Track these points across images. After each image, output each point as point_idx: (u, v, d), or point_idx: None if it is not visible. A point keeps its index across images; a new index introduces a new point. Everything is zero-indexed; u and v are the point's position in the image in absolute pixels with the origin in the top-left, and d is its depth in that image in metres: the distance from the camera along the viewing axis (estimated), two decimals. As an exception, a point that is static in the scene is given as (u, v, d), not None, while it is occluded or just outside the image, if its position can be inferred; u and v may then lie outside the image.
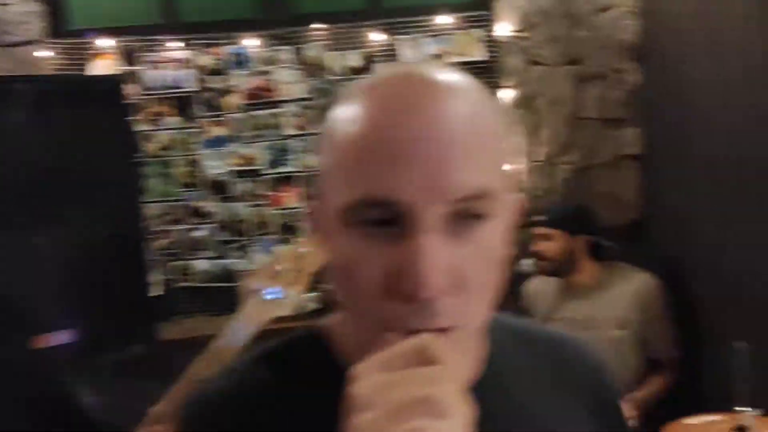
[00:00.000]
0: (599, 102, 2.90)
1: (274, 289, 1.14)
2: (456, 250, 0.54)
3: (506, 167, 0.60)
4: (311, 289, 1.14)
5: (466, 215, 0.55)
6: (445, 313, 0.54)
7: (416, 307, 0.53)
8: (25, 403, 1.32)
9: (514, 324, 0.76)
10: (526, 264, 2.59)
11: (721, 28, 2.23)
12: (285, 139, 2.85)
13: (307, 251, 1.16)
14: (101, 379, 1.84)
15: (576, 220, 2.52)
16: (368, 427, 0.46)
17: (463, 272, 0.55)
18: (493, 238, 0.57)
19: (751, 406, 1.84)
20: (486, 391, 0.63)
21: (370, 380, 0.48)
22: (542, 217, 2.52)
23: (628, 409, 2.26)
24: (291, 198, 2.87)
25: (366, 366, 0.49)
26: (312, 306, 1.97)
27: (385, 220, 0.54)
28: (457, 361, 0.51)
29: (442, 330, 0.54)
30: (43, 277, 1.87)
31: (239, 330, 1.15)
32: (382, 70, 0.62)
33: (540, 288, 2.62)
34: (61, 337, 1.86)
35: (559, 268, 2.51)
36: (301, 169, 2.85)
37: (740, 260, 2.23)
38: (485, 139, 0.57)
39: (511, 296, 2.79)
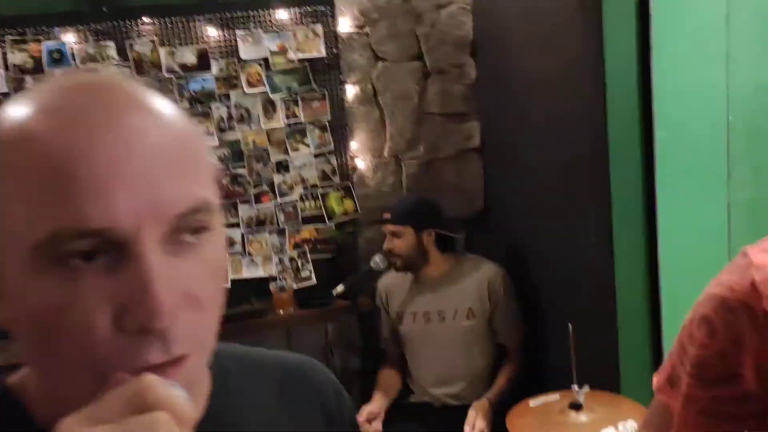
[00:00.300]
0: (442, 97, 2.96)
1: None
2: (183, 270, 0.49)
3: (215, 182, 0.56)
4: None
5: (186, 231, 0.50)
6: (180, 339, 0.49)
7: (150, 338, 0.47)
8: None
9: (238, 351, 0.72)
10: (378, 261, 2.59)
11: (546, 27, 2.32)
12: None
13: None
14: None
15: (421, 215, 2.55)
16: None
17: (194, 291, 0.50)
18: (217, 250, 0.53)
19: (583, 384, 1.95)
20: (214, 426, 0.60)
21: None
22: (388, 215, 2.54)
23: (475, 415, 2.33)
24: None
25: (74, 420, 0.42)
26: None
27: (95, 251, 0.47)
28: (184, 399, 0.45)
29: (180, 359, 0.49)
30: None
31: None
32: (56, 79, 0.53)
33: (393, 284, 2.64)
34: None
35: (411, 264, 2.54)
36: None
37: (568, 245, 2.35)
38: (194, 149, 0.53)
39: (366, 294, 2.80)
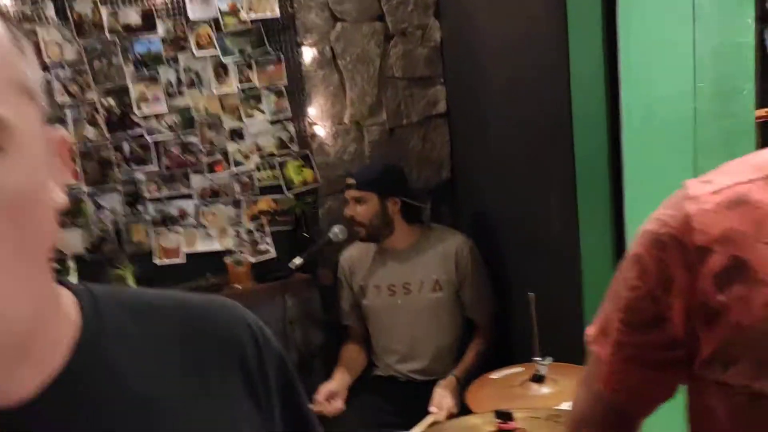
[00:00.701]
0: (405, 60, 2.82)
1: None
2: None
3: (32, 94, 0.50)
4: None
5: None
6: None
7: None
8: None
9: (127, 294, 0.64)
10: (337, 232, 2.48)
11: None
12: (59, 107, 2.49)
13: None
14: None
15: (387, 181, 2.44)
16: None
17: None
18: (11, 177, 0.46)
19: (546, 356, 1.89)
20: (80, 376, 0.54)
21: None
22: (352, 180, 2.42)
23: (442, 394, 2.25)
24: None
25: None
26: None
27: None
28: None
29: None
30: None
31: None
32: None
33: (355, 256, 2.54)
34: None
35: (374, 233, 2.43)
36: (79, 142, 2.52)
37: (533, 214, 2.28)
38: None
39: (327, 267, 2.71)
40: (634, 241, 0.82)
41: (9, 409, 0.50)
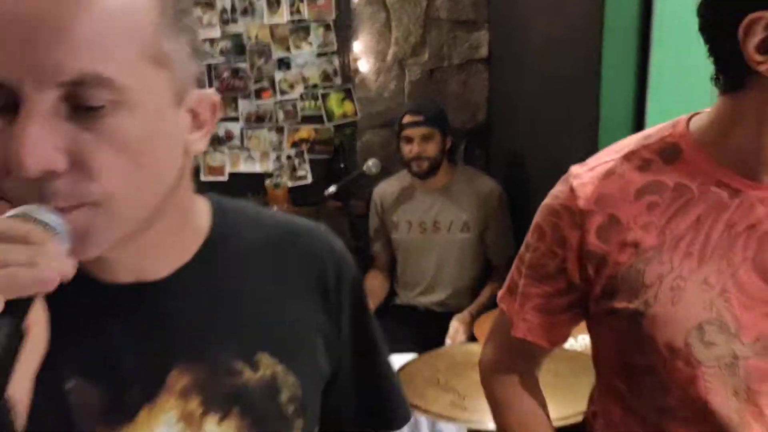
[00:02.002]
0: (451, 2, 2.88)
1: None
2: (75, 136, 0.54)
3: (163, 61, 0.59)
4: None
5: (85, 101, 0.54)
6: (61, 193, 0.55)
7: (34, 186, 0.54)
8: None
9: (252, 210, 0.79)
10: (371, 165, 2.61)
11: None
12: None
13: None
14: None
15: (446, 120, 2.51)
16: None
17: (83, 156, 0.55)
18: (130, 128, 0.56)
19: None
20: (195, 277, 0.70)
21: None
22: (419, 118, 2.46)
23: (457, 328, 2.38)
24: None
25: None
26: None
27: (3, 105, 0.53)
28: (50, 241, 0.52)
29: (64, 209, 0.55)
30: None
31: None
32: None
33: (389, 191, 2.64)
34: None
35: (433, 170, 2.49)
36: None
37: (560, 164, 2.36)
38: (110, 25, 0.55)
39: (359, 198, 2.86)
40: (535, 217, 1.03)
41: (153, 282, 0.69)
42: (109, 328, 0.67)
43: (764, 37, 0.78)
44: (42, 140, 0.53)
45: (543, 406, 1.13)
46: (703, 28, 0.85)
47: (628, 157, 0.96)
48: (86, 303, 0.66)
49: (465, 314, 2.44)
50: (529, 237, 1.03)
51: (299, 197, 2.82)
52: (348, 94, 2.87)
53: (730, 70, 0.84)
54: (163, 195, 0.63)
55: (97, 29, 0.54)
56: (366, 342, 0.85)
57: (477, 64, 2.98)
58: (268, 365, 0.73)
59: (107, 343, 0.67)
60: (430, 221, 2.55)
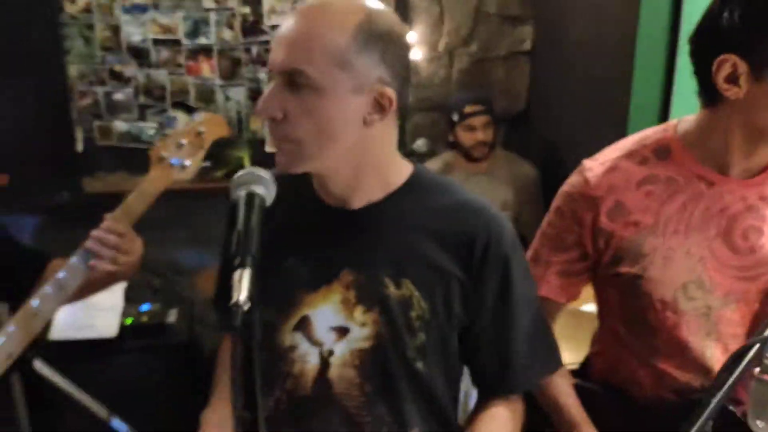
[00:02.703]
0: (501, -1, 3.15)
1: (178, 159, 1.40)
2: (288, 101, 0.97)
3: (347, 68, 0.96)
4: (206, 157, 1.40)
5: (294, 83, 0.96)
6: (277, 132, 1.00)
7: (269, 124, 1.00)
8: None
9: (442, 182, 1.14)
10: (420, 145, 2.91)
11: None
12: (204, 11, 2.99)
13: (206, 129, 1.41)
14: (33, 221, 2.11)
15: (494, 109, 2.80)
16: None
17: (289, 114, 0.98)
18: (320, 103, 0.96)
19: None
20: (377, 213, 1.06)
21: None
22: (480, 107, 2.75)
23: None
24: (207, 68, 3.06)
25: None
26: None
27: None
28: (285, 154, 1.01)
29: (279, 139, 1.00)
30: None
31: (149, 185, 1.36)
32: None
33: (436, 167, 2.87)
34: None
35: (489, 154, 2.79)
36: (217, 42, 3.02)
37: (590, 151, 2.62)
38: (317, 41, 0.95)
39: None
40: (554, 201, 1.32)
41: (350, 210, 1.06)
42: (317, 231, 1.06)
43: (730, 72, 1.08)
44: (269, 100, 0.98)
45: None
46: (691, 56, 1.15)
47: (629, 155, 1.25)
48: (307, 212, 1.07)
49: None
50: (551, 217, 1.33)
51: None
52: (401, 79, 3.16)
53: (708, 91, 1.14)
54: (341, 149, 1.00)
55: (308, 43, 0.96)
56: (505, 310, 1.09)
57: (520, 57, 3.25)
58: (408, 288, 1.05)
59: (313, 240, 1.06)
60: None
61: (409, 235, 1.06)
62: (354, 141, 1.00)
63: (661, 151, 1.24)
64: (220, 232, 1.26)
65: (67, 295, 1.35)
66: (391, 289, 1.04)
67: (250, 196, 0.85)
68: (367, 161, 1.03)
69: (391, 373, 1.06)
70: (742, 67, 1.06)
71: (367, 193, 1.06)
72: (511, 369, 1.12)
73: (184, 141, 1.38)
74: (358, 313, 1.05)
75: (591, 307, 1.55)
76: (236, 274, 0.77)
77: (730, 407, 1.21)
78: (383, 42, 0.97)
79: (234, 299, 0.75)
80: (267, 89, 0.98)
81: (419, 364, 1.07)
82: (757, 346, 0.97)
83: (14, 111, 2.22)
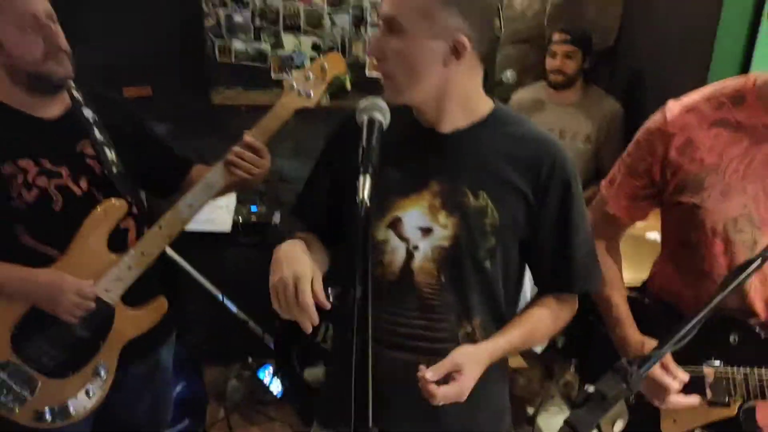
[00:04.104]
0: (598, -64, 3.23)
1: (305, 89, 1.69)
2: (386, 43, 1.20)
3: (429, 17, 1.16)
4: (327, 89, 1.72)
5: (390, 28, 1.18)
6: (378, 67, 1.23)
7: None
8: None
9: (518, 118, 1.34)
10: (509, 75, 3.11)
11: None
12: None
13: (328, 65, 1.69)
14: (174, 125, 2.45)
15: (589, 42, 2.92)
16: None
17: (383, 53, 1.21)
18: (405, 45, 1.18)
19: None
20: (463, 137, 1.27)
21: None
22: (566, 36, 2.88)
23: None
24: (318, -4, 3.33)
25: None
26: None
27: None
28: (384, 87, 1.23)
29: (381, 75, 1.22)
30: (128, 47, 2.43)
31: (281, 109, 1.68)
32: None
33: (526, 97, 3.07)
34: (142, 90, 2.47)
35: (570, 83, 2.92)
36: (328, -29, 3.27)
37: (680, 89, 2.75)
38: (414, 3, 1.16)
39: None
40: (637, 133, 1.47)
41: (442, 133, 1.26)
42: (413, 148, 1.29)
43: None
44: (374, 43, 1.22)
45: (619, 265, 1.61)
46: None
47: (708, 99, 1.40)
48: (406, 133, 1.28)
49: None
50: (630, 146, 1.50)
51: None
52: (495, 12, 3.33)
53: None
54: (426, 84, 1.21)
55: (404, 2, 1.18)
56: (563, 223, 1.29)
57: (614, -6, 3.34)
58: (484, 199, 1.25)
59: (409, 155, 1.28)
60: (558, 129, 2.95)
61: (488, 157, 1.26)
62: (437, 78, 1.20)
63: (737, 99, 1.37)
64: (318, 145, 1.44)
65: (210, 195, 1.70)
66: (470, 199, 1.25)
67: (371, 121, 1.09)
68: (452, 96, 1.23)
69: (463, 268, 1.27)
70: None
71: (453, 121, 1.26)
72: (569, 272, 1.33)
73: (311, 74, 1.69)
74: (442, 216, 1.26)
75: (655, 235, 1.73)
76: (361, 178, 1.01)
77: None
78: (466, 4, 1.17)
79: (359, 197, 0.99)
80: (376, 33, 1.23)
81: (487, 263, 1.28)
82: (757, 262, 1.13)
83: (155, 30, 2.53)
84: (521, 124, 1.31)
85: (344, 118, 1.35)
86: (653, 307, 1.59)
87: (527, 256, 1.34)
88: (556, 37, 2.89)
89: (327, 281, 1.20)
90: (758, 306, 1.45)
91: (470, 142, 1.26)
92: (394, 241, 1.28)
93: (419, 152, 1.27)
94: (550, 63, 2.90)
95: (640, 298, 1.61)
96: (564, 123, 2.97)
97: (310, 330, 1.12)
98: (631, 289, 1.66)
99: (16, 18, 1.53)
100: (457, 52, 1.19)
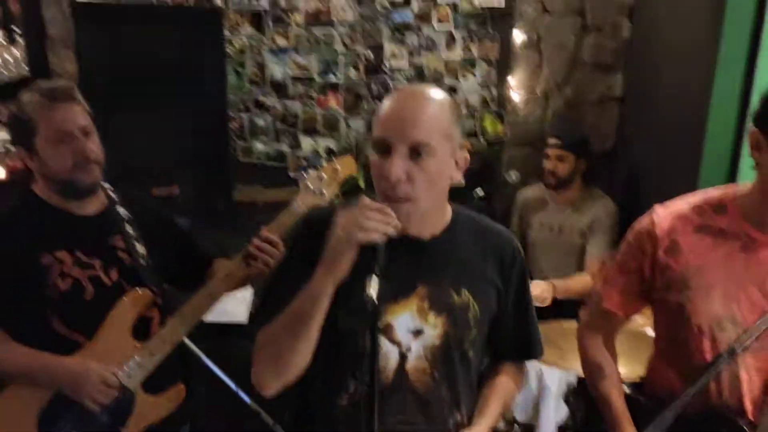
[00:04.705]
0: (595, 50, 3.48)
1: (319, 188, 1.85)
2: (411, 166, 1.23)
3: (449, 138, 1.26)
4: (339, 188, 1.88)
5: (418, 152, 1.23)
6: (401, 192, 1.24)
7: (391, 186, 1.23)
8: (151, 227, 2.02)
9: (473, 215, 1.46)
10: (512, 175, 3.28)
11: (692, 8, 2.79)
12: (335, 54, 3.53)
13: (340, 167, 1.86)
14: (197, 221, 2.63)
15: (583, 146, 3.08)
16: (341, 225, 1.20)
17: (411, 176, 1.23)
18: (434, 166, 1.24)
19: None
20: (441, 241, 1.36)
21: (359, 209, 1.20)
22: (558, 141, 3.03)
23: (546, 289, 2.87)
24: (334, 102, 3.59)
25: (367, 200, 1.22)
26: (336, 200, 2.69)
27: (384, 149, 1.25)
28: (405, 209, 1.25)
29: (401, 198, 1.23)
30: (160, 147, 2.66)
31: (297, 206, 1.84)
32: (402, 87, 1.32)
33: (531, 196, 3.21)
34: (170, 190, 2.66)
35: (562, 185, 3.05)
36: (344, 80, 3.55)
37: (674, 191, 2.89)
38: (433, 121, 1.24)
39: (499, 198, 3.51)
40: (627, 234, 1.59)
41: (423, 239, 1.34)
42: (401, 256, 1.28)
43: (755, 141, 1.39)
44: (398, 167, 1.22)
45: (615, 360, 1.68)
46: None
47: (692, 206, 1.53)
48: (394, 243, 1.24)
49: (561, 282, 2.94)
50: (623, 245, 1.62)
51: (453, 194, 3.53)
52: (500, 117, 3.57)
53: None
54: (439, 201, 1.35)
55: (428, 122, 1.24)
56: (522, 302, 1.45)
57: (611, 101, 3.56)
58: (466, 295, 1.36)
59: (399, 263, 1.27)
60: (557, 226, 3.09)
61: (464, 255, 1.37)
62: (445, 192, 1.34)
63: (719, 208, 1.49)
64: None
65: (229, 287, 1.82)
66: (455, 298, 1.36)
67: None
68: (438, 207, 1.36)
69: (453, 362, 1.37)
70: (762, 140, 1.38)
71: (432, 229, 1.36)
72: (529, 343, 1.50)
73: (325, 175, 1.86)
74: (431, 317, 1.35)
75: (652, 332, 1.78)
76: (368, 278, 1.12)
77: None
78: (460, 117, 1.34)
79: (368, 293, 1.11)
80: (393, 158, 1.22)
81: (470, 353, 1.39)
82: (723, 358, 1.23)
83: (184, 136, 2.77)
84: (478, 218, 1.45)
85: (310, 217, 1.46)
86: (649, 404, 1.64)
87: (489, 332, 1.44)
88: (550, 140, 3.06)
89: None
90: (747, 405, 1.52)
91: (447, 244, 1.37)
92: (387, 346, 1.34)
93: (405, 260, 1.32)
94: (545, 165, 3.06)
95: (636, 395, 1.68)
96: (562, 220, 3.10)
97: None
98: (629, 384, 1.72)
99: (51, 133, 1.70)
100: (458, 167, 1.33)
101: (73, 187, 1.75)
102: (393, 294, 1.32)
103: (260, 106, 3.62)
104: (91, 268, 1.76)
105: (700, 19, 2.63)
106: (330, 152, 3.62)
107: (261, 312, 1.39)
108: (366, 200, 1.21)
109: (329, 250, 1.21)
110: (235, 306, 3.20)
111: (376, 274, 1.13)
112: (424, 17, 3.46)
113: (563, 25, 3.46)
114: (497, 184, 3.37)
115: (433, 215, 1.35)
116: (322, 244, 1.23)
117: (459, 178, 1.33)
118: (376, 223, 1.18)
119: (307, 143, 3.64)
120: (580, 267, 3.10)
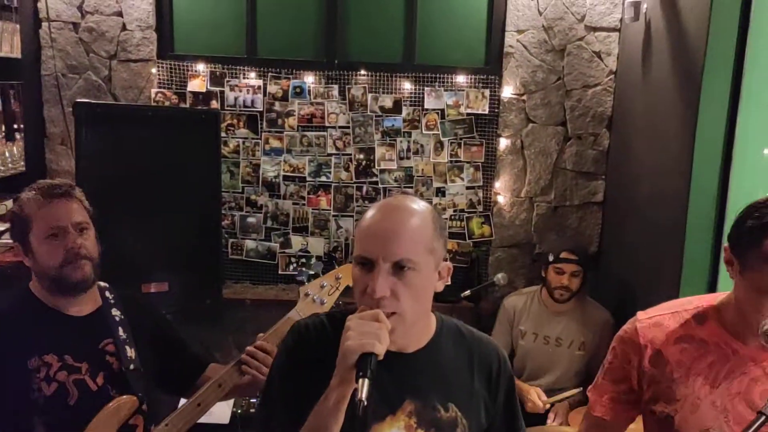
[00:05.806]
0: (576, 158, 3.64)
1: (319, 297, 1.85)
2: (394, 282, 1.22)
3: (432, 252, 1.26)
4: (338, 297, 1.87)
5: (402, 267, 1.22)
6: (387, 306, 1.23)
7: (376, 302, 1.22)
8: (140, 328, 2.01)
9: (457, 324, 1.44)
10: (500, 278, 3.31)
11: (660, 115, 2.95)
12: (326, 156, 3.64)
13: (342, 275, 1.86)
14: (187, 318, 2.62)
15: (589, 259, 3.13)
16: (349, 336, 1.19)
17: (397, 292, 1.23)
18: (418, 280, 1.23)
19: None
20: (427, 355, 1.35)
21: (355, 321, 1.19)
22: (574, 257, 3.04)
23: (542, 397, 2.92)
24: (324, 201, 3.67)
25: (354, 316, 1.23)
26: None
27: (366, 265, 1.25)
28: (391, 323, 1.24)
29: (388, 314, 1.22)
30: (151, 246, 2.68)
31: (296, 315, 1.82)
32: (383, 200, 1.31)
33: (520, 303, 3.18)
34: (159, 287, 2.67)
35: (572, 297, 3.05)
36: (335, 180, 3.65)
37: (671, 291, 2.93)
38: (416, 236, 1.24)
39: (488, 301, 3.54)
40: (612, 341, 1.60)
41: (407, 353, 1.30)
42: (386, 370, 1.24)
43: (728, 257, 1.43)
44: (382, 284, 1.20)
45: None
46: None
47: (673, 314, 1.54)
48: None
49: (564, 403, 2.96)
50: (609, 353, 1.62)
51: (437, 296, 3.55)
52: (486, 219, 3.66)
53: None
54: (424, 313, 1.34)
55: (410, 237, 1.23)
56: (510, 414, 1.44)
57: (593, 206, 3.69)
58: (453, 411, 1.33)
59: (384, 379, 1.25)
60: (554, 337, 3.07)
61: (450, 368, 1.35)
62: (430, 304, 1.32)
63: (699, 317, 1.49)
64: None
65: (219, 396, 1.79)
66: (442, 413, 1.33)
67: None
68: (423, 319, 1.34)
69: None
70: (733, 259, 1.41)
71: (417, 342, 1.34)
72: None
73: (326, 283, 1.86)
74: None
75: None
76: (360, 381, 1.12)
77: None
78: (443, 228, 1.32)
79: (359, 396, 1.11)
80: (376, 275, 1.20)
81: None
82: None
83: (176, 234, 2.80)
84: (461, 326, 1.43)
85: (297, 328, 1.39)
86: None
87: None
88: (565, 255, 3.04)
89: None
90: None
91: (433, 357, 1.35)
92: None
93: (390, 376, 1.29)
94: (557, 280, 3.03)
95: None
96: (559, 332, 3.09)
97: None
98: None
99: (44, 229, 1.72)
100: (441, 277, 1.33)
101: (63, 283, 1.74)
102: (379, 412, 1.30)
103: (252, 204, 3.68)
104: (78, 371, 1.74)
105: (677, 129, 2.79)
106: (325, 254, 3.67)
107: (264, 419, 1.36)
108: (377, 311, 1.21)
109: (343, 357, 1.18)
110: (219, 406, 3.13)
111: (368, 378, 1.13)
112: (413, 123, 3.61)
113: (546, 133, 3.62)
114: (485, 286, 3.41)
115: (418, 328, 1.34)
116: (318, 351, 1.24)
117: (441, 288, 1.33)
118: (385, 332, 1.18)
119: (296, 241, 3.69)
120: (581, 381, 3.06)
